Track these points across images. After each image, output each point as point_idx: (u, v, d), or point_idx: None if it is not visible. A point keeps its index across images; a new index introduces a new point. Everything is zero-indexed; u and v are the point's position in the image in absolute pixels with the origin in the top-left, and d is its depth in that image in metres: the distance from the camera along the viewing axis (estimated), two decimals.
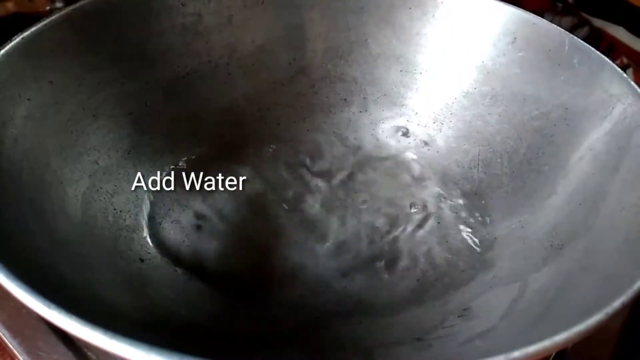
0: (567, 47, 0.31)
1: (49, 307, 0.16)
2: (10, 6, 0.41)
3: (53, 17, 0.28)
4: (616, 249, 0.23)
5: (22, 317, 0.27)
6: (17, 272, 0.18)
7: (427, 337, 0.26)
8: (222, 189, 0.33)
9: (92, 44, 0.30)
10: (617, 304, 0.18)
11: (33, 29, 0.27)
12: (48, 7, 0.42)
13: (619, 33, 0.49)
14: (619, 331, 0.29)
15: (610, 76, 0.29)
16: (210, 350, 0.25)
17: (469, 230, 0.32)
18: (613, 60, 0.30)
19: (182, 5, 0.33)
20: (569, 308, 0.22)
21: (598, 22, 0.50)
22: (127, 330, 0.16)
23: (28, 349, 0.27)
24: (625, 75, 0.29)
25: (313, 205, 0.33)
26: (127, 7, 0.31)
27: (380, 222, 0.32)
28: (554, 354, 0.28)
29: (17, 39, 0.27)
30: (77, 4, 0.29)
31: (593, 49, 0.30)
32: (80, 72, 0.29)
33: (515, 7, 0.33)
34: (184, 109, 0.34)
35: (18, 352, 0.27)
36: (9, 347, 0.27)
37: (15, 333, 0.27)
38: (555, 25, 0.32)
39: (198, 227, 0.31)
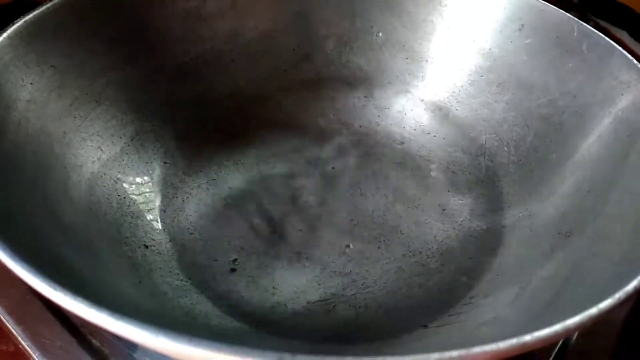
0: (575, 34, 0.31)
1: (55, 290, 0.16)
2: None
3: (56, 1, 0.28)
4: (625, 236, 0.23)
5: (26, 305, 0.27)
6: (22, 254, 0.17)
7: (433, 325, 0.26)
8: (226, 175, 0.33)
9: (95, 29, 0.30)
10: (629, 287, 0.18)
11: (35, 12, 0.27)
12: None
13: (623, 37, 0.49)
14: (622, 324, 0.29)
15: (620, 63, 0.29)
16: (215, 335, 0.25)
17: (476, 218, 0.31)
18: None
19: None
20: (578, 295, 0.22)
21: (603, 23, 0.50)
22: (132, 315, 0.16)
23: (32, 336, 0.26)
24: (635, 61, 0.28)
25: (317, 191, 0.33)
26: None
27: (387, 209, 0.32)
28: (557, 348, 0.27)
29: (19, 23, 0.27)
30: None
31: (602, 35, 0.30)
32: (83, 56, 0.29)
33: None
34: (187, 95, 0.34)
35: (22, 339, 0.26)
36: (13, 334, 0.27)
37: (19, 320, 0.27)
38: (563, 12, 0.32)
39: (202, 215, 0.31)
